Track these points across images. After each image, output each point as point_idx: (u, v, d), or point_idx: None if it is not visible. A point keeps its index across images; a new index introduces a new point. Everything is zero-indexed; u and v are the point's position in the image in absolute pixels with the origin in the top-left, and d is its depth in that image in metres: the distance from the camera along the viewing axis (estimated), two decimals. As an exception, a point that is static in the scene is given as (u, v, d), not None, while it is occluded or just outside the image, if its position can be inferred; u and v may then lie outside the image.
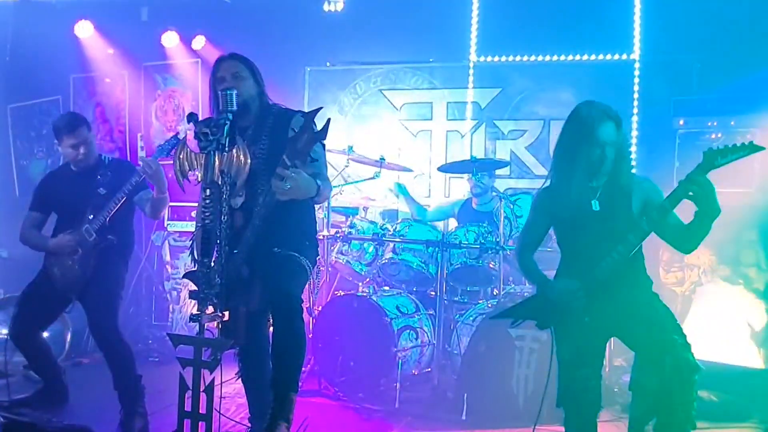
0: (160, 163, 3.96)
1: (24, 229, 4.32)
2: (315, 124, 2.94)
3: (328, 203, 5.29)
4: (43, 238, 4.24)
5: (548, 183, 3.26)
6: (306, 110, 3.30)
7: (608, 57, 6.14)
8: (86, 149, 4.16)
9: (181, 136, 4.15)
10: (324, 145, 3.05)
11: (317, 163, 3.12)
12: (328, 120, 2.96)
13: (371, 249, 5.26)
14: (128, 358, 4.01)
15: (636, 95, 6.04)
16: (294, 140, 2.91)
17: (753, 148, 2.82)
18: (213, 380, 2.78)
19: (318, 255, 3.39)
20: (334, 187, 5.49)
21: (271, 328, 3.22)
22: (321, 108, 3.08)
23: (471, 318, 4.76)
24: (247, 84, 3.28)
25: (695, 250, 3.13)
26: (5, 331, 6.05)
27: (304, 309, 3.23)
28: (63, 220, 4.21)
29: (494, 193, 5.57)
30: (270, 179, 2.95)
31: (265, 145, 3.21)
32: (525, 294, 4.50)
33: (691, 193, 2.86)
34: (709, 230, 2.96)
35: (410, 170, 6.06)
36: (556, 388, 3.15)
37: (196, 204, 3.38)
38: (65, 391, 4.33)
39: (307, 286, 3.29)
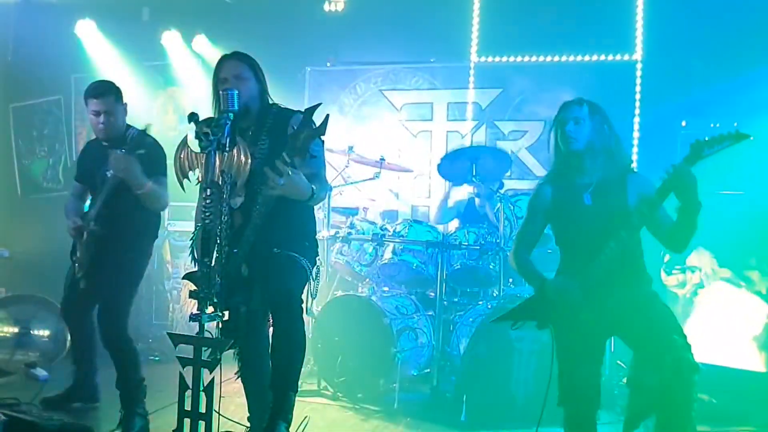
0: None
1: (69, 197, 4.21)
2: (314, 120, 2.94)
3: (328, 203, 5.29)
4: (68, 212, 4.07)
5: (542, 181, 3.30)
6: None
7: (610, 57, 6.13)
8: (107, 119, 3.93)
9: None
10: (323, 142, 3.03)
11: (316, 163, 3.11)
12: (327, 116, 2.95)
13: (371, 249, 5.25)
14: (133, 358, 3.95)
15: (638, 96, 6.03)
16: (293, 137, 2.91)
17: (738, 137, 2.82)
18: (213, 380, 2.78)
19: (318, 255, 3.38)
20: (335, 187, 5.49)
21: (271, 329, 3.22)
22: (320, 104, 3.08)
23: (470, 319, 4.75)
24: (249, 85, 3.26)
25: (685, 249, 3.14)
26: (8, 329, 6.08)
27: (304, 309, 3.22)
28: (92, 196, 4.06)
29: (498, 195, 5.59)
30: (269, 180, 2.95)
31: (265, 145, 3.20)
32: (525, 295, 4.49)
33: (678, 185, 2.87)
34: (695, 227, 2.95)
35: (410, 170, 6.05)
36: (558, 388, 3.15)
37: (196, 204, 3.37)
38: (96, 391, 4.26)
39: (306, 286, 3.28)
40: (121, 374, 3.92)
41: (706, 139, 2.84)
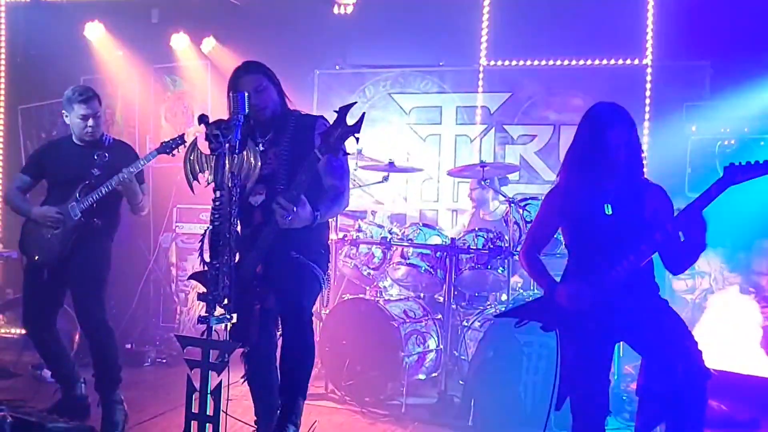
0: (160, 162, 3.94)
1: (9, 189, 4.31)
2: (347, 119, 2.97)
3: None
4: (27, 204, 4.17)
5: (559, 183, 3.23)
6: (314, 114, 3.37)
7: (620, 62, 6.11)
8: (95, 123, 4.11)
9: (188, 138, 4.07)
10: (358, 138, 3.02)
11: (339, 172, 3.16)
12: (363, 114, 2.97)
13: (379, 253, 5.24)
14: (112, 344, 4.02)
15: (648, 101, 6.01)
16: (327, 134, 2.93)
17: None
18: (221, 382, 2.77)
19: (329, 262, 3.40)
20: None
21: (279, 335, 3.23)
22: (356, 102, 3.09)
23: (479, 323, 4.74)
24: (269, 94, 3.32)
25: (682, 273, 3.16)
26: (15, 330, 6.09)
27: (313, 313, 3.23)
28: (53, 192, 4.15)
29: (497, 201, 5.59)
30: (290, 180, 3.04)
31: (287, 147, 3.25)
32: (534, 299, 4.47)
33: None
34: (696, 260, 3.04)
35: (420, 170, 6.04)
36: (558, 391, 3.12)
37: (203, 206, 3.38)
38: (84, 402, 4.16)
39: (318, 293, 3.30)
40: (100, 361, 3.99)
41: (741, 165, 2.80)
